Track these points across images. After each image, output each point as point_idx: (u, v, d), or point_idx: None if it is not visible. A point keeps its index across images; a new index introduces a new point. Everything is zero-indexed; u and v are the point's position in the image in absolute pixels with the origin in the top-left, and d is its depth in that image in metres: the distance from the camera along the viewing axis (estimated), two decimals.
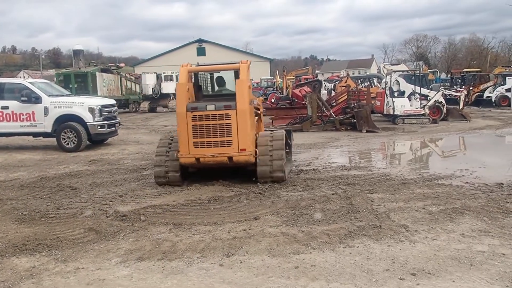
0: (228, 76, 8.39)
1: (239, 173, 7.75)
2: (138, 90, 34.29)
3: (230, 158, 7.14)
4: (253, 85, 42.19)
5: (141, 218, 5.67)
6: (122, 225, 5.42)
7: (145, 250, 4.59)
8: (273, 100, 26.09)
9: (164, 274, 4.01)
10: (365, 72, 71.18)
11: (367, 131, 15.18)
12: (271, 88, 36.43)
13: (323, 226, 5.17)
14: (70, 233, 5.16)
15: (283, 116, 18.43)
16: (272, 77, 43.56)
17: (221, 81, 8.74)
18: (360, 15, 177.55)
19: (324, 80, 32.84)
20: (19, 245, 4.77)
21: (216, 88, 8.82)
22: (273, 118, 18.33)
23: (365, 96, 17.59)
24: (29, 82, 13.16)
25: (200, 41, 64.44)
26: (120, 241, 4.89)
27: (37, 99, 12.29)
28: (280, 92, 30.31)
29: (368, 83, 27.39)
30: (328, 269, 4.01)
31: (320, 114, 16.65)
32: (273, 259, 4.29)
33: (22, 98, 12.18)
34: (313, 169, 8.64)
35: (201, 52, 63.05)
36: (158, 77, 33.92)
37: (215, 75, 8.78)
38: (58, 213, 6.02)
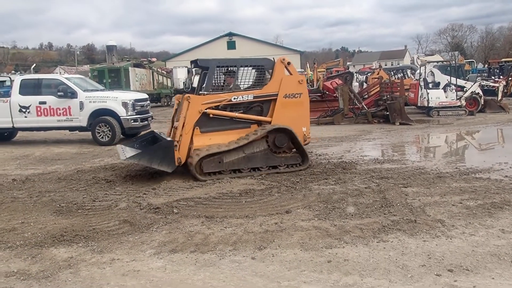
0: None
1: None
2: (169, 84, 34.67)
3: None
4: None
5: (174, 210, 5.73)
6: (155, 217, 5.50)
7: (178, 242, 4.63)
8: None
9: (197, 266, 4.04)
10: (398, 64, 69.73)
11: (401, 124, 14.89)
12: None
13: (356, 220, 5.10)
14: (105, 225, 5.27)
15: (314, 109, 18.20)
16: (303, 70, 43.14)
17: None
18: (395, 5, 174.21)
19: (355, 72, 32.40)
20: (57, 236, 4.90)
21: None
22: None
23: (398, 88, 17.22)
24: (65, 78, 13.49)
25: (230, 34, 64.46)
26: (154, 233, 4.96)
27: (73, 94, 12.58)
28: (310, 85, 30.06)
29: (402, 74, 26.82)
30: (361, 264, 3.95)
31: (351, 106, 16.44)
32: (305, 253, 4.26)
33: (59, 93, 12.49)
34: (345, 162, 8.54)
35: (231, 45, 63.13)
36: (189, 71, 34.17)
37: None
38: (94, 205, 6.16)
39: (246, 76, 8.22)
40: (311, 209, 5.65)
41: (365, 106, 16.42)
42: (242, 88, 8.20)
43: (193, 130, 7.63)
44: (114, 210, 5.90)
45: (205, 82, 8.04)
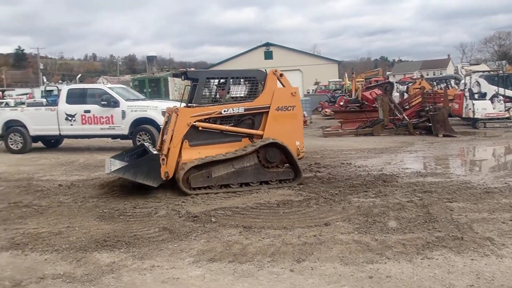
0: None
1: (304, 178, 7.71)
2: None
3: None
4: (321, 87, 41.85)
5: (212, 219, 5.76)
6: (194, 225, 5.54)
7: (216, 252, 4.65)
8: (341, 103, 25.71)
9: (235, 276, 4.03)
10: (441, 73, 68.02)
11: (444, 136, 14.46)
12: (340, 91, 35.82)
13: (398, 235, 4.97)
14: (146, 232, 5.36)
15: (353, 120, 18.09)
16: (341, 80, 42.74)
17: None
18: (437, 13, 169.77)
19: (395, 82, 31.80)
20: (100, 240, 5.03)
21: None
22: (342, 122, 18.04)
23: (442, 99, 16.75)
24: (109, 87, 13.90)
25: (267, 44, 64.72)
26: (193, 241, 5.00)
27: (116, 103, 12.94)
28: (349, 95, 29.75)
29: (445, 84, 26.14)
30: (404, 281, 3.83)
31: (392, 117, 16.12)
32: (345, 267, 4.18)
33: (102, 103, 12.87)
34: (386, 175, 8.36)
35: (268, 55, 63.35)
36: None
37: None
38: (134, 212, 6.28)
39: (238, 88, 8.13)
40: (350, 222, 5.54)
41: (406, 117, 16.07)
42: (233, 100, 8.02)
43: (182, 143, 7.45)
44: (154, 217, 6.00)
45: (195, 94, 7.89)
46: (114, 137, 13.57)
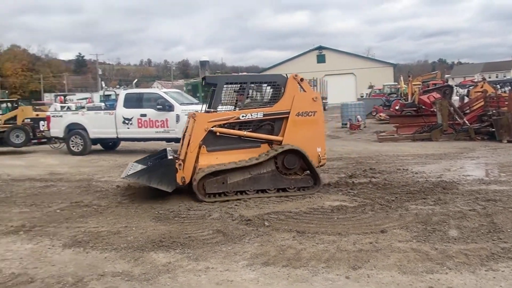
0: None
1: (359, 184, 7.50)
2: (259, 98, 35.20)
3: None
4: (375, 91, 40.99)
5: (265, 223, 5.75)
6: (247, 229, 5.56)
7: (270, 256, 4.63)
8: (397, 107, 25.03)
9: (289, 281, 3.99)
10: (504, 76, 64.80)
11: (509, 142, 13.70)
12: (395, 95, 34.90)
13: (459, 245, 4.74)
14: (200, 233, 5.43)
15: (409, 124, 17.55)
16: (396, 83, 41.71)
17: None
18: (500, 13, 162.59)
19: (455, 85, 30.60)
20: (156, 241, 5.15)
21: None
22: (398, 126, 17.55)
23: (506, 102, 15.90)
24: (164, 92, 14.29)
25: (320, 48, 64.32)
26: (246, 244, 5.01)
27: (170, 107, 13.26)
28: (404, 99, 28.92)
29: (510, 87, 24.83)
30: None
31: (451, 122, 15.50)
32: (403, 276, 4.03)
33: (158, 107, 13.23)
34: (445, 181, 8.02)
35: (321, 59, 62.94)
36: None
37: None
38: (189, 214, 6.39)
39: (257, 93, 7.96)
40: (408, 230, 5.36)
41: (466, 121, 15.39)
42: (252, 105, 7.88)
43: (199, 148, 7.40)
44: (208, 219, 6.07)
45: (213, 99, 7.82)
46: (168, 140, 13.89)
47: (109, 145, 15.72)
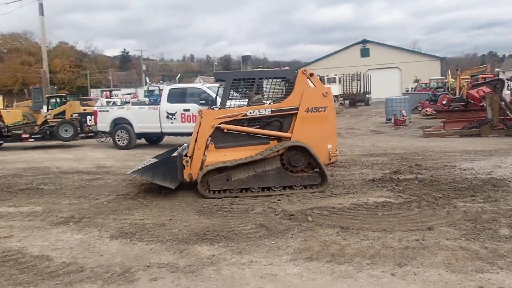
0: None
1: (404, 180, 7.30)
2: None
3: None
4: (421, 86, 39.90)
5: (308, 218, 5.72)
6: (290, 224, 5.55)
7: (313, 251, 4.60)
8: (444, 102, 24.30)
9: (334, 277, 3.96)
10: None
11: None
12: (442, 89, 33.82)
13: (511, 244, 4.55)
14: (243, 228, 5.47)
15: (457, 120, 16.94)
16: (443, 77, 40.39)
17: None
18: None
19: (506, 79, 29.29)
20: (200, 234, 5.23)
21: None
22: (445, 122, 17.01)
23: None
24: (207, 87, 14.44)
25: (364, 42, 63.15)
26: (289, 239, 5.00)
27: (213, 102, 13.36)
28: (452, 93, 27.99)
29: None
30: None
31: (502, 117, 14.86)
32: (452, 274, 3.91)
33: (201, 102, 13.37)
34: (496, 179, 7.71)
35: (365, 53, 61.85)
36: (321, 79, 34.26)
37: None
38: (231, 208, 6.44)
39: (265, 89, 7.72)
40: (456, 227, 5.19)
41: None
42: (260, 101, 7.71)
43: (207, 145, 7.38)
44: (251, 214, 6.10)
45: (222, 95, 7.73)
46: None
47: (153, 140, 16.09)
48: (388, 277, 3.91)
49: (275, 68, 8.71)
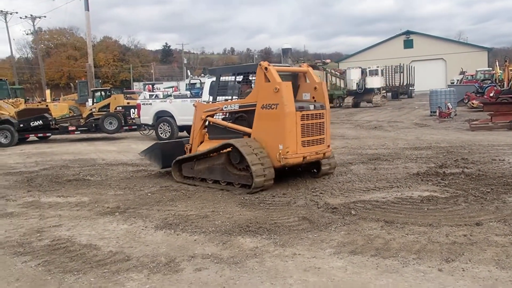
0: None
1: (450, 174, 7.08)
2: (342, 85, 34.64)
3: (323, 154, 7.48)
4: (467, 77, 38.52)
5: (352, 212, 5.66)
6: (333, 217, 5.51)
7: (357, 245, 4.56)
8: (491, 94, 23.42)
9: (379, 271, 3.91)
10: None
11: None
12: (489, 81, 32.53)
13: None
14: (285, 220, 5.47)
15: (505, 112, 16.31)
16: (491, 69, 38.82)
17: None
18: None
19: None
20: (243, 226, 5.27)
21: None
22: (493, 114, 16.39)
23: None
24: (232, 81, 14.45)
25: (407, 33, 61.55)
26: (332, 232, 4.97)
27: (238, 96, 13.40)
28: (500, 85, 26.89)
29: None
30: None
31: None
32: (502, 271, 3.79)
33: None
34: None
35: (408, 44, 60.29)
36: (363, 72, 33.70)
37: None
38: (274, 200, 6.46)
39: (243, 84, 7.82)
40: (506, 223, 5.01)
41: None
42: (236, 97, 7.89)
43: (204, 135, 8.11)
44: (293, 206, 6.10)
45: (213, 90, 8.03)
46: None
47: None
48: (435, 273, 3.83)
49: (249, 64, 8.86)
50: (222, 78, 8.14)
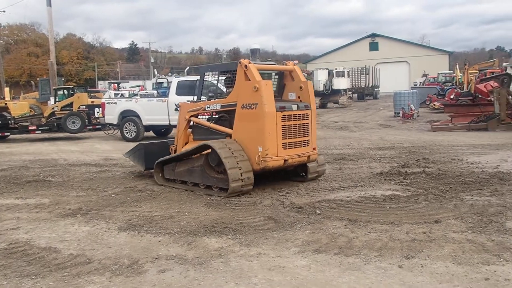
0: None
1: (412, 174, 7.28)
2: None
3: (308, 157, 7.16)
4: (429, 80, 39.67)
5: (317, 211, 5.74)
6: (298, 216, 5.57)
7: (321, 243, 4.62)
8: (452, 96, 24.23)
9: (342, 269, 3.98)
10: None
11: None
12: (450, 83, 33.62)
13: None
14: (251, 220, 5.49)
15: (464, 114, 16.92)
16: (451, 72, 40.11)
17: None
18: None
19: None
20: (209, 226, 5.24)
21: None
22: (453, 116, 16.96)
23: None
24: (215, 80, 14.42)
25: (373, 35, 62.84)
26: (297, 232, 5.02)
27: (221, 95, 13.37)
28: (460, 88, 27.84)
29: None
30: None
31: (510, 111, 14.83)
32: (458, 267, 3.92)
33: (210, 94, 13.30)
34: (502, 172, 7.69)
35: (373, 47, 61.55)
36: (330, 73, 34.15)
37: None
38: (240, 200, 6.46)
39: (226, 83, 7.69)
40: (463, 220, 5.19)
41: None
42: (220, 95, 7.78)
43: (188, 136, 7.91)
44: (259, 206, 6.12)
45: (197, 89, 7.90)
46: None
47: (161, 132, 16.14)
48: (396, 269, 3.93)
49: (231, 61, 8.56)
50: (206, 77, 7.94)
